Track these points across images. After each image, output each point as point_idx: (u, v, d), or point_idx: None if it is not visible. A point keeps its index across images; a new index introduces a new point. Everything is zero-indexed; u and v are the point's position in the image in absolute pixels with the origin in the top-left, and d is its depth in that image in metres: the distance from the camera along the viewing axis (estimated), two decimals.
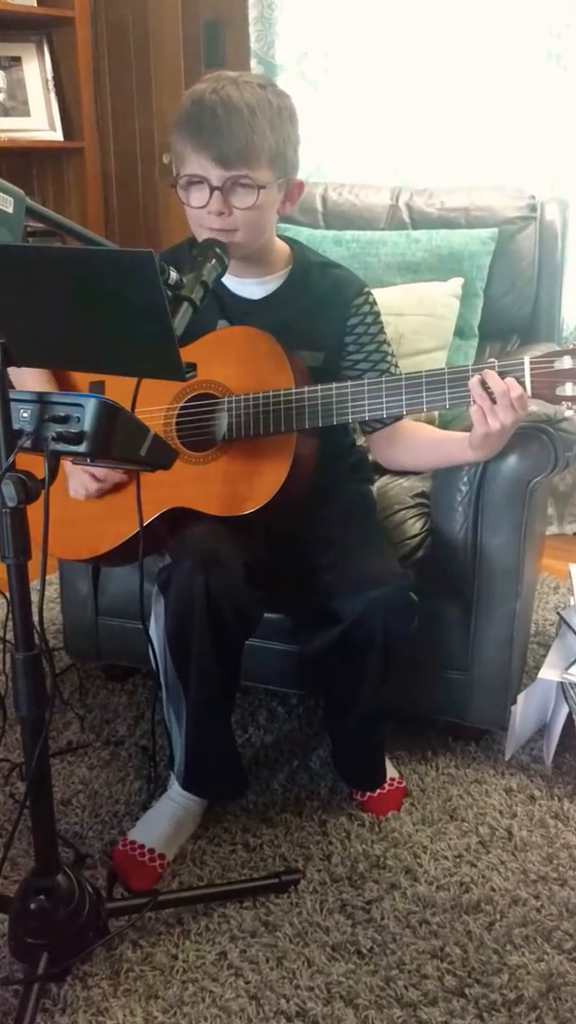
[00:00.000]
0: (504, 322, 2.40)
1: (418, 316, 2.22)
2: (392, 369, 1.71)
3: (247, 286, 1.69)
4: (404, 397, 1.52)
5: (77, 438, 1.19)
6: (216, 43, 3.48)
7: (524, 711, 1.89)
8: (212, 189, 1.52)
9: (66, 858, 1.46)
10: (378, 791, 1.79)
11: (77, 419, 1.19)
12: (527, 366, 1.46)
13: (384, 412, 1.54)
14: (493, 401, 1.46)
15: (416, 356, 2.20)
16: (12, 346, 1.17)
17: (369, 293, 1.71)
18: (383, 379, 1.53)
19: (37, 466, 1.21)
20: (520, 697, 1.87)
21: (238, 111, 1.49)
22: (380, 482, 2.01)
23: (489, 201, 2.38)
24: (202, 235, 1.57)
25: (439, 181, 2.75)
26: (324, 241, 2.35)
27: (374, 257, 2.33)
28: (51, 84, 3.54)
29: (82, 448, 1.20)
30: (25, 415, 1.22)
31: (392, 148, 3.00)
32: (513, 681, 1.87)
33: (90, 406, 1.19)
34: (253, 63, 3.19)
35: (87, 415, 1.19)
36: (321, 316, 1.68)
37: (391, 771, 1.83)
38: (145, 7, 3.55)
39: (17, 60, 3.51)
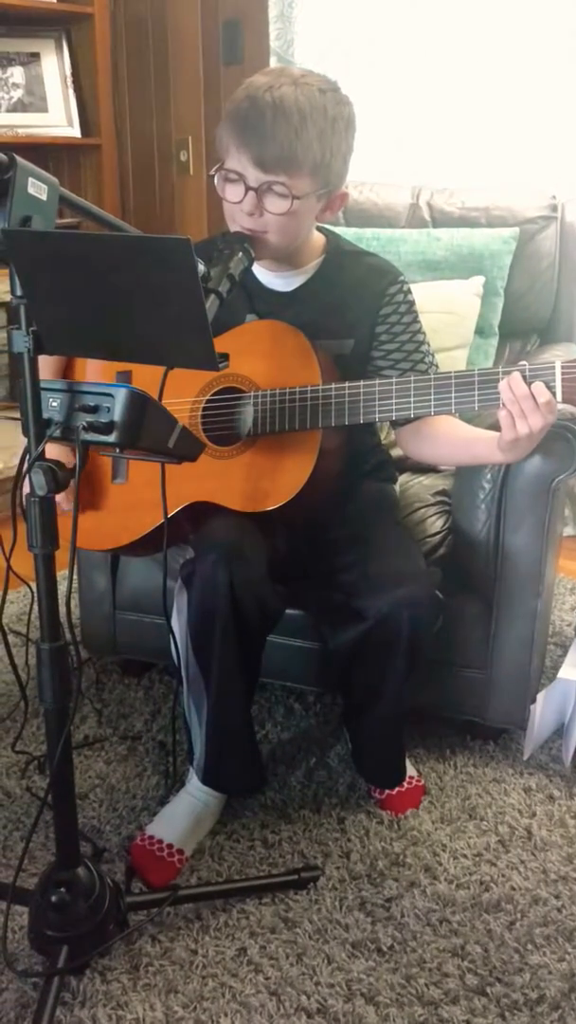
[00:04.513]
0: (524, 321, 2.39)
1: (439, 314, 2.21)
2: (427, 358, 1.69)
3: (278, 278, 1.68)
4: (432, 398, 1.49)
5: (107, 428, 1.19)
6: (235, 41, 3.48)
7: (543, 711, 1.88)
8: (247, 189, 1.50)
9: (84, 852, 1.45)
10: (397, 789, 1.78)
11: (107, 409, 1.19)
12: (558, 370, 1.43)
13: (412, 412, 1.51)
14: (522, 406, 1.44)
15: (437, 354, 2.18)
16: (44, 334, 1.17)
17: (404, 282, 1.69)
18: (411, 378, 1.51)
19: (65, 458, 1.21)
20: (539, 696, 1.86)
21: (287, 116, 1.45)
22: (401, 479, 2.01)
23: (510, 201, 2.37)
24: (234, 228, 1.56)
25: (460, 180, 2.75)
26: None
27: (395, 255, 2.32)
28: (69, 80, 3.55)
29: (112, 438, 1.19)
30: (55, 404, 1.21)
31: (413, 147, 2.99)
32: (532, 680, 1.86)
33: (120, 396, 1.18)
34: (272, 61, 3.19)
35: (117, 405, 1.18)
36: (353, 304, 1.66)
37: (410, 769, 1.82)
38: (164, 4, 3.55)
39: (36, 56, 3.52)
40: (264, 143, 1.47)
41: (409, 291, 1.70)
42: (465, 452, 1.67)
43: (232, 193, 1.53)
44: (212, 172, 1.55)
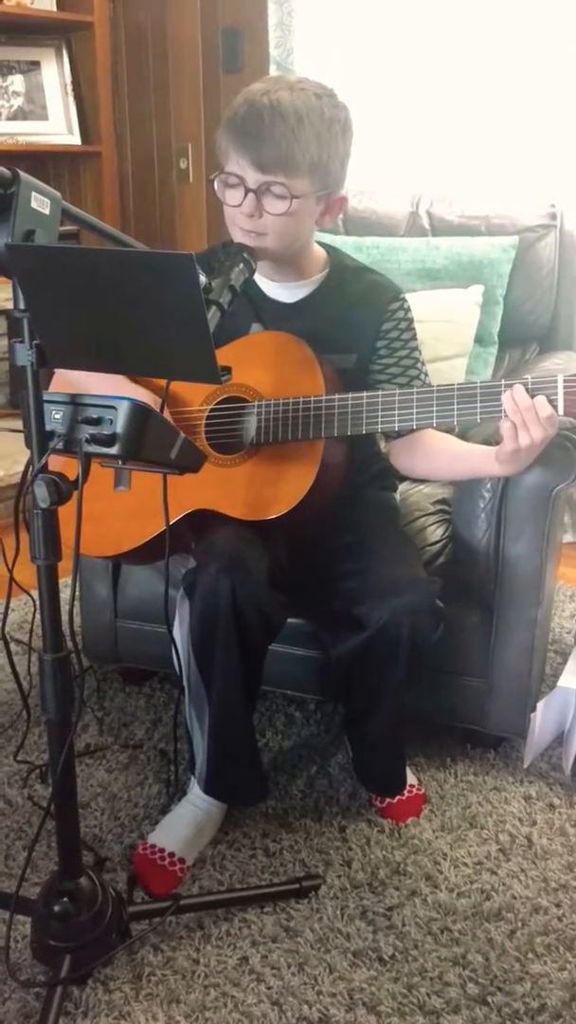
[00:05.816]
0: (523, 330, 2.40)
1: (439, 323, 2.22)
2: (422, 376, 1.70)
3: (282, 289, 1.69)
4: (435, 409, 1.50)
5: (109, 440, 1.19)
6: (235, 49, 3.49)
7: (543, 719, 1.89)
8: (247, 191, 1.52)
9: (86, 861, 1.46)
10: (398, 798, 1.79)
11: (110, 421, 1.19)
12: (560, 384, 1.43)
13: (414, 423, 1.52)
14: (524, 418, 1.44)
15: (436, 363, 2.20)
16: (47, 347, 1.17)
17: (404, 300, 1.71)
18: (414, 390, 1.52)
19: (67, 467, 1.21)
20: (539, 705, 1.86)
21: (284, 118, 1.48)
22: (401, 488, 2.01)
23: (509, 209, 2.38)
24: (235, 233, 1.57)
25: (459, 188, 2.76)
26: (344, 248, 2.33)
27: (394, 264, 2.33)
28: (69, 88, 3.56)
29: (114, 450, 1.20)
30: (57, 416, 1.22)
31: (412, 155, 3.00)
32: (532, 689, 1.86)
33: (123, 408, 1.19)
34: (272, 69, 3.21)
35: (119, 417, 1.19)
36: (355, 319, 1.68)
37: (410, 777, 1.83)
38: (164, 12, 3.56)
39: (36, 64, 3.53)
40: (262, 145, 1.49)
41: (409, 308, 1.71)
42: (461, 465, 1.67)
43: (232, 197, 1.54)
44: (212, 177, 1.57)
